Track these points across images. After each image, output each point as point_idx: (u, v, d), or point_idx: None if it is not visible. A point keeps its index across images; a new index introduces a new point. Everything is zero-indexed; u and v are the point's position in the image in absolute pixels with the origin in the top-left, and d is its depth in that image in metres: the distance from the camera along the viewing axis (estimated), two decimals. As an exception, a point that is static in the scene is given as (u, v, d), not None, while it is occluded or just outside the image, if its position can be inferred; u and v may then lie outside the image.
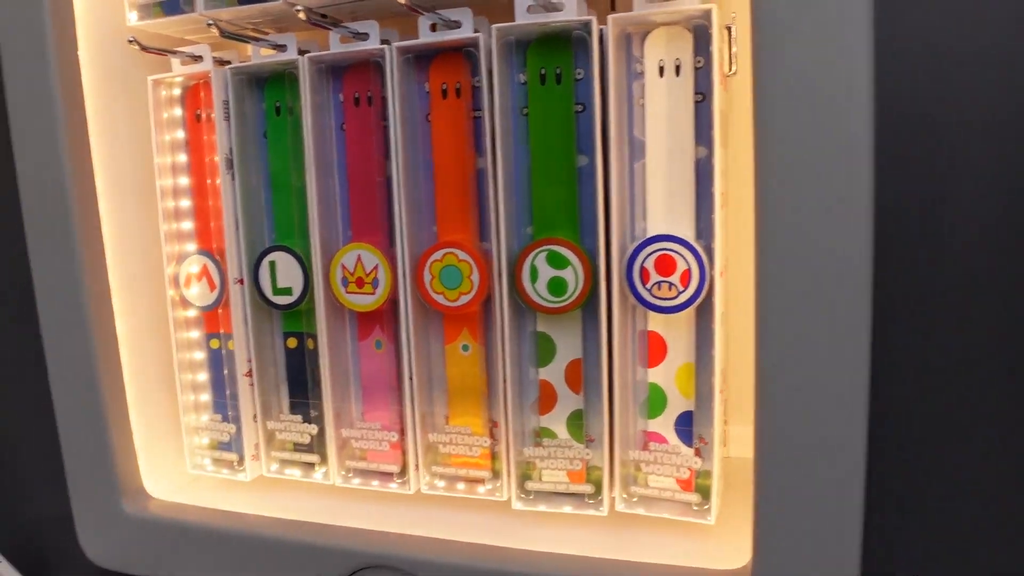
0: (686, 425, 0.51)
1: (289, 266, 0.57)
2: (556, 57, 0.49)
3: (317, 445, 0.59)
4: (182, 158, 0.61)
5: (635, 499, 0.52)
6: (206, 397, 0.63)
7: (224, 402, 0.62)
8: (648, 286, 0.49)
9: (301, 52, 0.55)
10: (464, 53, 0.52)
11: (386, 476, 0.58)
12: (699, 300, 0.48)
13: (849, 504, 0.43)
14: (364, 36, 0.53)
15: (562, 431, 0.54)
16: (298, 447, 0.60)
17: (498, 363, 0.53)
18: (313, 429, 0.59)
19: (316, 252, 0.56)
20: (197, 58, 0.58)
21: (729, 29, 0.48)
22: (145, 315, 0.63)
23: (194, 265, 0.60)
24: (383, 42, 0.53)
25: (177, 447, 0.64)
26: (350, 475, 0.59)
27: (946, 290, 0.54)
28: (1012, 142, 0.52)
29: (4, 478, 0.88)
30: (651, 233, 0.49)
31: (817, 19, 0.40)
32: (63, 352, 0.60)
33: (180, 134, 0.61)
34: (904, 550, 0.58)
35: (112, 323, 0.60)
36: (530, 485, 0.54)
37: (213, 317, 0.62)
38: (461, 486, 0.56)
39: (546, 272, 0.50)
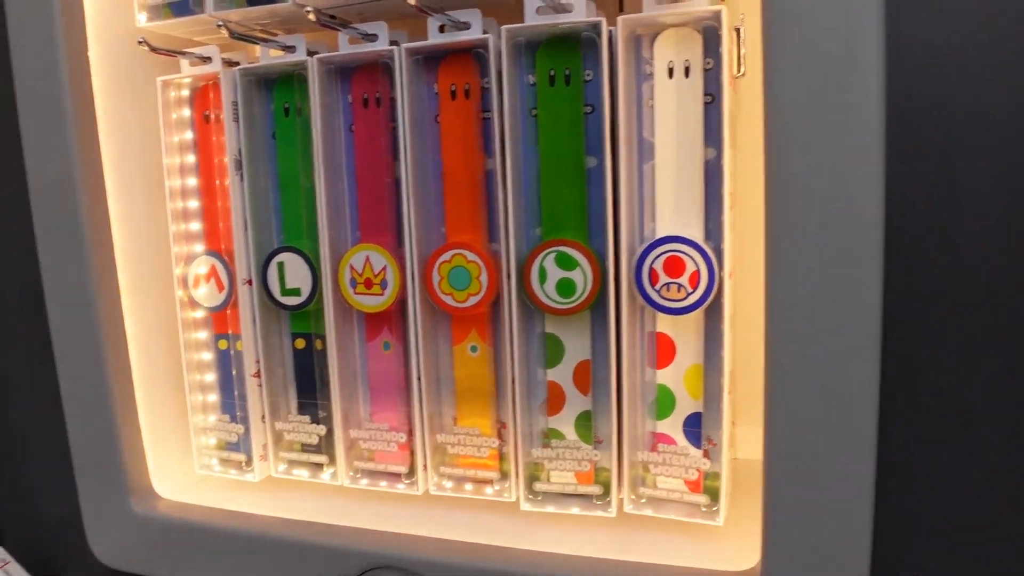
0: (695, 426, 0.51)
1: (297, 267, 0.57)
2: (565, 58, 0.49)
3: (325, 446, 0.59)
4: (191, 159, 0.61)
5: (643, 500, 0.52)
6: (214, 398, 0.63)
7: (232, 403, 0.62)
8: (657, 287, 0.49)
9: (310, 53, 0.55)
10: (473, 54, 0.52)
11: (394, 477, 0.58)
12: (708, 301, 0.48)
13: (858, 505, 0.43)
14: (373, 37, 0.53)
15: (570, 432, 0.54)
16: (306, 448, 0.60)
17: (506, 364, 0.53)
18: (321, 430, 0.59)
19: (325, 253, 0.56)
20: (206, 59, 0.58)
21: (738, 31, 0.48)
22: (154, 316, 0.63)
23: (202, 266, 0.60)
24: (392, 43, 0.53)
25: (185, 447, 0.64)
26: (358, 476, 0.59)
27: (957, 290, 0.54)
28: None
29: (14, 478, 0.88)
30: (660, 234, 0.49)
31: (828, 19, 0.40)
32: (72, 352, 0.60)
33: (189, 135, 0.61)
34: (913, 551, 0.58)
35: (121, 323, 0.60)
36: (538, 486, 0.54)
37: (221, 318, 0.62)
38: (469, 487, 0.56)
39: (555, 273, 0.50)
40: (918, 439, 0.56)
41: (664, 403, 0.52)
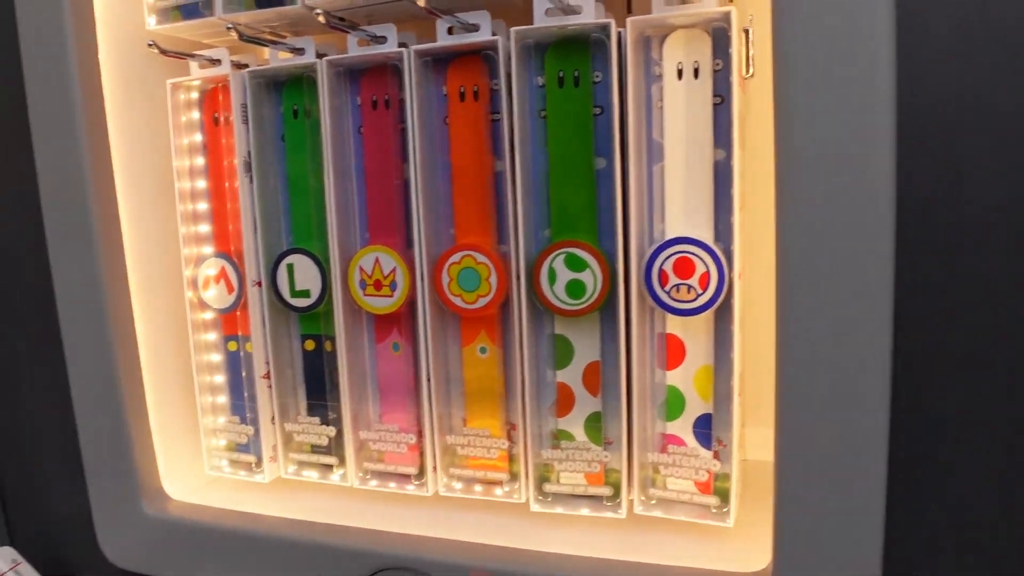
0: (704, 428, 0.51)
1: (307, 268, 0.57)
2: (574, 60, 0.49)
3: (335, 447, 0.60)
4: (200, 161, 0.61)
5: (653, 501, 0.52)
6: (224, 399, 0.63)
7: (242, 404, 0.62)
8: (666, 288, 0.49)
9: (319, 55, 0.55)
10: (482, 56, 0.52)
11: (403, 478, 0.58)
12: (718, 303, 0.48)
13: (870, 506, 0.43)
14: (382, 39, 0.53)
15: (580, 433, 0.54)
16: (316, 449, 0.60)
17: (516, 365, 0.53)
18: (331, 431, 0.59)
19: (334, 254, 0.56)
20: (215, 62, 0.58)
21: (746, 32, 0.48)
22: (164, 317, 0.63)
23: (212, 268, 0.61)
24: (401, 45, 0.53)
25: (195, 448, 0.64)
26: (367, 477, 0.59)
27: (969, 289, 0.54)
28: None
29: (25, 479, 0.88)
30: (669, 235, 0.49)
31: (837, 19, 0.40)
32: (83, 354, 0.60)
33: (198, 137, 0.61)
34: (926, 553, 0.57)
35: (132, 325, 0.60)
36: (548, 487, 0.54)
37: (231, 319, 0.62)
38: (478, 488, 0.56)
39: (564, 274, 0.50)
40: (930, 439, 0.56)
41: (674, 404, 0.52)
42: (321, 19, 0.50)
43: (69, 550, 0.87)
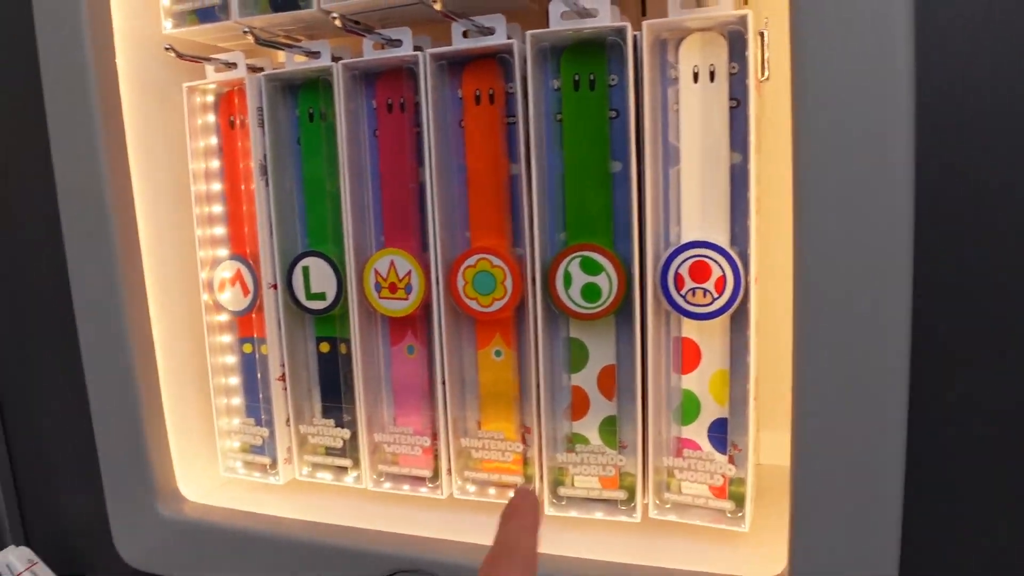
0: (720, 432, 0.51)
1: (322, 271, 0.57)
2: (590, 63, 0.49)
3: (349, 449, 0.60)
4: (216, 164, 0.61)
5: (668, 505, 0.52)
6: (239, 401, 0.64)
7: (257, 406, 0.63)
8: (682, 292, 0.49)
9: (335, 59, 0.55)
10: (497, 59, 0.52)
11: (418, 480, 0.58)
12: (734, 307, 0.48)
13: (887, 511, 0.43)
14: (397, 43, 0.53)
15: (595, 437, 0.53)
16: (330, 451, 0.60)
17: (531, 369, 0.53)
18: (345, 433, 0.59)
19: (349, 257, 0.56)
20: (231, 65, 0.59)
21: (762, 35, 0.48)
22: (180, 319, 0.63)
23: (227, 270, 0.61)
24: (416, 48, 0.53)
25: (211, 450, 0.65)
26: (382, 479, 0.59)
27: (988, 292, 0.54)
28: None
29: (41, 480, 0.89)
30: (685, 239, 0.49)
31: (856, 21, 0.40)
32: (100, 356, 0.61)
33: (214, 140, 0.61)
34: (944, 558, 0.57)
35: (148, 327, 0.61)
36: (562, 491, 0.54)
37: (246, 322, 0.62)
38: (493, 491, 0.56)
39: (580, 278, 0.50)
40: (948, 443, 0.56)
41: (689, 408, 0.52)
42: (337, 23, 0.50)
43: (85, 550, 0.88)
